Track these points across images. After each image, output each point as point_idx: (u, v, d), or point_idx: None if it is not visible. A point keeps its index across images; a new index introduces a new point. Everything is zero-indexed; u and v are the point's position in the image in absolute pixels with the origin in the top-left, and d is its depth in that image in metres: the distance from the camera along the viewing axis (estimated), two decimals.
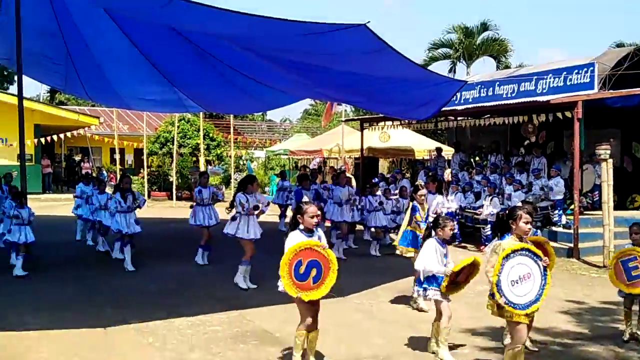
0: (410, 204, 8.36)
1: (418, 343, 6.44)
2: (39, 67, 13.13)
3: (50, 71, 13.44)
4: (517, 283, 4.99)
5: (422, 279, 6.21)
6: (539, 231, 6.47)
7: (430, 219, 7.92)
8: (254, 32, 8.13)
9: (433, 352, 6.14)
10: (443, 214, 9.10)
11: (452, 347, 6.18)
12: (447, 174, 17.67)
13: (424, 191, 8.43)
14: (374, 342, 6.58)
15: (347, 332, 6.94)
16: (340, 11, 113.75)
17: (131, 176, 15.02)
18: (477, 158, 18.58)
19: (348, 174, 17.29)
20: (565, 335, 6.92)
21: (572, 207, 12.86)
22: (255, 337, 6.63)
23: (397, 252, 8.38)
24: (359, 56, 8.57)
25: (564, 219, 13.21)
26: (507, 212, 5.36)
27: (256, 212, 8.88)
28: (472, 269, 6.08)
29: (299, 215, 5.49)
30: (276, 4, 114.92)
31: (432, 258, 6.11)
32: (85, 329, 6.82)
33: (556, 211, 13.21)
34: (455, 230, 13.69)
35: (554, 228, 13.12)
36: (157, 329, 6.90)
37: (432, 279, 6.14)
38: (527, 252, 5.05)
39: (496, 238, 5.42)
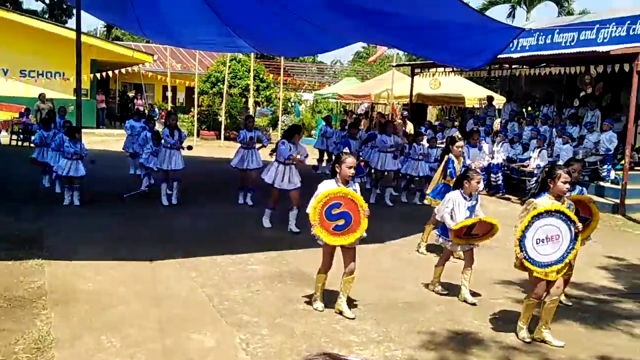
0: (446, 156, 8.29)
1: (450, 290, 6.54)
2: (97, 2, 13.35)
3: (108, 7, 13.65)
4: (543, 242, 5.02)
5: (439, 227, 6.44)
6: (584, 189, 6.36)
7: None
8: None
9: (464, 300, 6.25)
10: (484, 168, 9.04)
11: (474, 294, 6.34)
12: (497, 124, 17.38)
13: (461, 143, 8.37)
14: (409, 289, 6.72)
15: (384, 277, 7.09)
16: None
17: (180, 115, 15.30)
18: (529, 108, 18.16)
19: (398, 120, 17.20)
20: (601, 291, 6.92)
21: (622, 162, 12.55)
22: (292, 278, 6.85)
23: (426, 202, 8.44)
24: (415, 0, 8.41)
25: (612, 174, 12.92)
26: (547, 170, 5.29)
27: (295, 162, 8.95)
28: (489, 227, 6.13)
29: (337, 165, 5.57)
30: None
31: (446, 209, 6.26)
32: (133, 261, 7.17)
33: (605, 166, 12.92)
34: (500, 182, 13.59)
35: (601, 183, 12.87)
36: (200, 264, 7.19)
37: (446, 228, 6.27)
38: (560, 215, 5.05)
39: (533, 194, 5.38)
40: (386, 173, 12.07)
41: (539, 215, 4.98)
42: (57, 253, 7.32)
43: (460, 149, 8.30)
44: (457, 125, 18.79)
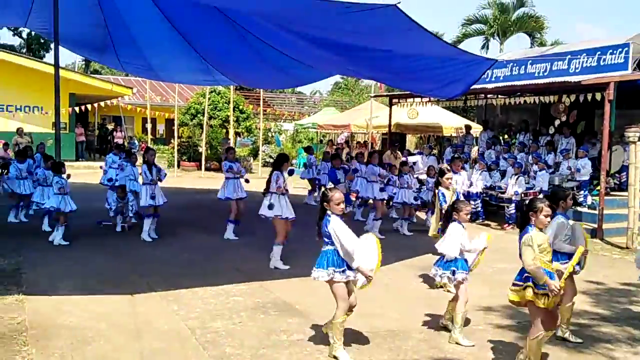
0: (436, 191, 8.44)
1: (434, 320, 6.59)
2: (76, 38, 13.43)
3: (87, 42, 13.74)
4: None
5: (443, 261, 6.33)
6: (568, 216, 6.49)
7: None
8: (286, 9, 8.22)
9: (444, 326, 6.28)
10: (463, 194, 9.18)
11: (465, 324, 6.30)
12: (474, 152, 17.62)
13: (450, 174, 8.52)
14: (390, 317, 6.75)
15: (365, 306, 7.07)
16: None
17: (161, 146, 15.31)
18: (505, 136, 18.45)
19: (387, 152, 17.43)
20: (582, 316, 7.00)
21: (598, 187, 12.79)
22: (275, 308, 6.85)
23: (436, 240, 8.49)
24: (390, 35, 8.62)
25: (589, 200, 13.15)
26: (528, 203, 5.40)
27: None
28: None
29: (325, 203, 5.57)
30: None
31: (455, 243, 6.21)
32: (113, 296, 7.12)
33: (582, 192, 13.15)
34: (479, 209, 13.76)
35: (579, 208, 13.07)
36: (181, 297, 7.17)
37: (453, 262, 6.22)
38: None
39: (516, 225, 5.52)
40: (372, 201, 12.17)
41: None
42: (37, 288, 7.26)
43: (449, 180, 8.46)
44: (435, 153, 19.01)
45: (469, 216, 6.48)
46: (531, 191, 12.90)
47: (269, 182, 8.87)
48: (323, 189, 5.87)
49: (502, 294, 7.54)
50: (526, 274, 5.13)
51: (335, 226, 5.43)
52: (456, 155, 13.56)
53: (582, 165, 13.11)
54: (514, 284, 5.25)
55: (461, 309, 6.02)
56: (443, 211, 8.17)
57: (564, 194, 6.25)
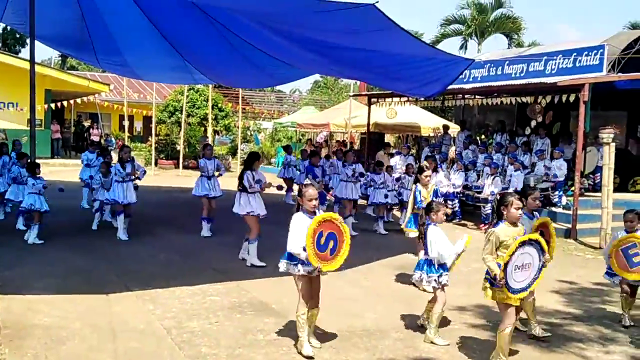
0: (414, 186, 8.52)
1: (410, 319, 6.64)
2: (52, 33, 13.25)
3: (64, 37, 13.56)
4: (519, 269, 5.17)
5: (424, 263, 6.35)
6: (537, 214, 6.55)
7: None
8: (265, 7, 8.22)
9: (421, 325, 6.33)
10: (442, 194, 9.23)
11: (442, 324, 6.35)
12: (452, 152, 17.75)
13: (428, 172, 8.58)
14: (367, 316, 6.78)
15: (342, 305, 7.13)
16: None
17: (138, 144, 15.16)
18: (482, 136, 18.62)
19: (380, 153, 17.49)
20: (554, 315, 7.10)
21: (572, 188, 12.96)
22: (252, 308, 6.85)
23: (410, 234, 8.56)
24: (368, 34, 8.66)
25: (564, 200, 13.31)
26: (499, 199, 5.48)
27: (267, 188, 9.05)
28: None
29: (299, 198, 5.63)
30: None
31: (447, 243, 6.22)
32: (89, 295, 7.06)
33: (557, 192, 13.31)
34: (456, 208, 13.86)
35: (553, 209, 13.23)
36: (158, 297, 7.13)
37: (433, 266, 6.24)
38: (537, 245, 5.24)
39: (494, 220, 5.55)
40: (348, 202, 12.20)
41: (522, 244, 5.12)
42: (11, 287, 7.17)
43: (428, 178, 8.52)
44: (413, 153, 19.13)
45: (444, 217, 6.53)
46: (507, 191, 13.02)
47: (240, 179, 8.94)
48: (299, 185, 5.88)
49: (477, 293, 7.60)
50: (487, 272, 5.30)
51: (292, 221, 5.51)
52: (430, 155, 13.65)
53: (557, 166, 13.27)
54: (484, 278, 5.44)
55: (438, 309, 6.08)
56: (417, 208, 8.26)
57: (526, 192, 6.34)
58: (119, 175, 10.47)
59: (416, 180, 8.71)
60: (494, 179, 13.40)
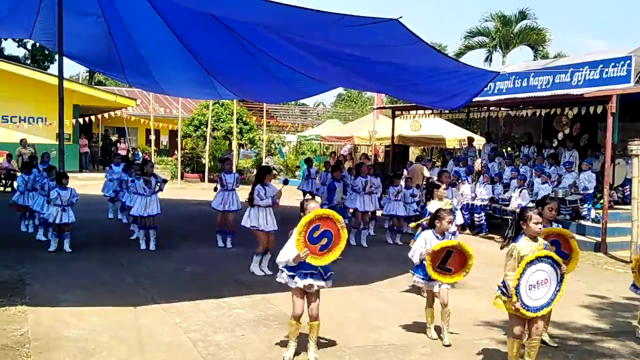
0: (428, 203, 8.45)
1: (437, 332, 6.56)
2: (80, 50, 13.52)
3: (92, 54, 13.83)
4: (534, 287, 5.11)
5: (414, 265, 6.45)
6: (560, 226, 6.44)
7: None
8: (289, 21, 8.28)
9: (433, 338, 6.34)
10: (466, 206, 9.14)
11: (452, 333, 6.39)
12: (478, 164, 17.63)
13: (443, 186, 8.53)
14: (394, 330, 6.73)
15: (369, 319, 7.10)
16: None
17: (164, 158, 15.31)
18: (509, 149, 18.48)
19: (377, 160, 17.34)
20: (584, 330, 6.97)
21: (601, 201, 12.77)
22: (277, 321, 6.84)
23: (411, 244, 8.51)
24: (392, 48, 8.68)
25: (593, 213, 13.12)
26: (519, 213, 5.43)
27: (278, 198, 9.07)
28: (462, 257, 6.11)
29: (302, 213, 5.62)
30: None
31: (419, 248, 6.27)
32: (116, 307, 7.12)
33: (585, 205, 13.13)
34: (483, 221, 13.74)
35: (582, 222, 13.05)
36: (184, 309, 7.16)
37: (420, 267, 6.31)
38: (549, 260, 5.17)
39: (510, 238, 5.48)
40: (362, 214, 12.14)
41: (531, 263, 5.05)
42: (40, 300, 7.26)
43: (443, 192, 8.47)
44: (438, 165, 19.03)
45: (452, 226, 6.51)
46: (527, 206, 12.90)
47: (251, 192, 9.00)
48: (302, 201, 5.85)
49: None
50: (502, 283, 5.28)
51: (292, 234, 5.50)
52: (444, 169, 13.53)
53: (586, 179, 13.10)
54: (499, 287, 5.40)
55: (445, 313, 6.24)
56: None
57: (544, 202, 6.25)
58: (143, 190, 10.59)
59: (429, 196, 8.61)
60: (521, 191, 13.27)
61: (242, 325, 6.68)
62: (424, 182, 14.27)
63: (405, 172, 15.73)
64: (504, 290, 5.25)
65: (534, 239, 5.25)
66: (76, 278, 8.46)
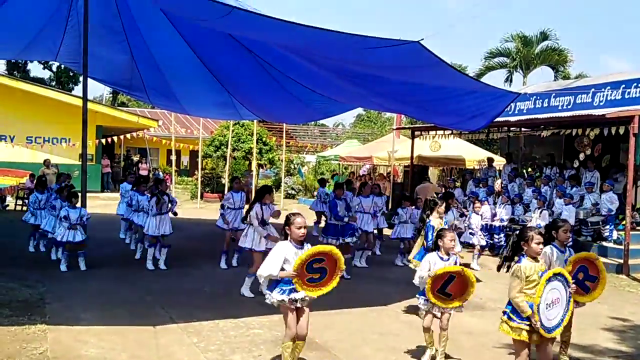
0: (427, 220, 8.37)
1: (456, 353, 6.49)
2: (105, 70, 13.77)
3: (116, 75, 14.07)
4: (550, 307, 5.04)
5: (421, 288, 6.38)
6: (572, 250, 6.31)
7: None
8: (310, 43, 8.36)
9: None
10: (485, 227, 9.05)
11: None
12: (498, 185, 17.51)
13: (442, 208, 8.51)
14: (412, 351, 6.66)
15: (387, 341, 7.05)
16: (401, 20, 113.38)
17: (185, 178, 15.38)
18: (529, 169, 18.35)
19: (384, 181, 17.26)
20: (606, 353, 6.86)
21: (624, 222, 12.60)
22: None
23: (411, 265, 8.49)
24: (413, 70, 8.71)
25: (615, 234, 12.95)
26: (519, 232, 5.36)
27: (276, 218, 8.96)
28: (463, 283, 6.02)
29: (286, 227, 5.56)
30: (334, 14, 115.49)
31: (423, 270, 6.21)
32: (135, 327, 7.15)
33: (607, 226, 12.96)
34: (502, 242, 13.56)
35: (604, 243, 12.87)
36: (202, 329, 7.17)
37: (422, 291, 6.25)
38: (562, 278, 5.12)
39: (505, 258, 5.43)
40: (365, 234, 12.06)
41: (549, 280, 5.00)
42: (60, 318, 7.32)
43: (442, 210, 8.43)
44: (458, 186, 18.93)
45: (457, 247, 6.46)
46: (527, 226, 12.80)
47: (248, 212, 8.94)
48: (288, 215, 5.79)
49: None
50: (509, 307, 5.16)
51: (274, 247, 5.54)
52: (449, 192, 13.41)
53: (608, 200, 12.95)
54: (504, 312, 5.28)
55: (443, 337, 6.17)
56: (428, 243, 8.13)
57: (557, 225, 6.15)
58: (152, 210, 10.69)
59: (429, 214, 8.52)
60: (541, 212, 13.15)
61: (260, 345, 6.67)
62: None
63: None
64: (511, 315, 5.14)
65: (534, 259, 5.17)
66: (96, 297, 8.52)
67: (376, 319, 7.97)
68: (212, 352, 6.39)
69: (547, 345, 5.15)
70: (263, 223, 8.88)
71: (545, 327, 5.00)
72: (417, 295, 6.53)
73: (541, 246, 5.20)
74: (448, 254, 6.30)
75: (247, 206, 10.15)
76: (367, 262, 11.98)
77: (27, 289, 8.74)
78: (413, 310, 8.18)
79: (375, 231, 12.91)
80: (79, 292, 8.81)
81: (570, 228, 6.44)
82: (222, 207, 11.28)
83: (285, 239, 5.57)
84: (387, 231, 13.56)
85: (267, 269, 5.43)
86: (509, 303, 5.18)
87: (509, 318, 5.15)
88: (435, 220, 8.28)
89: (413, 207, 12.41)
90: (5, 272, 9.74)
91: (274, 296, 5.49)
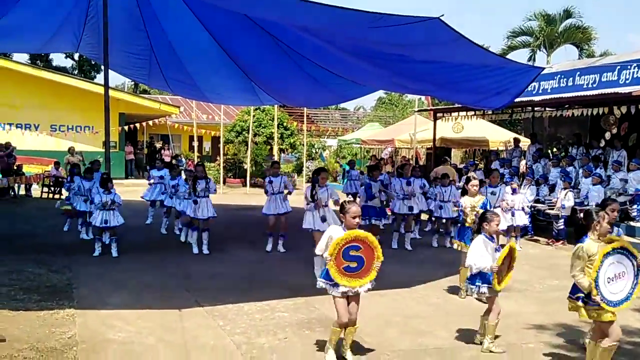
0: (462, 198, 8.30)
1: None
2: (124, 62, 13.81)
3: (135, 66, 14.12)
4: (612, 281, 4.97)
5: (469, 275, 6.23)
6: (621, 230, 6.24)
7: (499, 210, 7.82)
8: (329, 22, 8.24)
9: (480, 343, 6.15)
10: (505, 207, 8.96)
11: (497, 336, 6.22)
12: (523, 166, 17.31)
13: (475, 181, 8.37)
14: (438, 334, 6.63)
15: (412, 323, 7.01)
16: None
17: (207, 164, 15.52)
18: (554, 149, 18.10)
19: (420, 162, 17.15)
20: (637, 334, 6.76)
21: None
22: (320, 324, 6.81)
23: (455, 246, 8.40)
24: (434, 47, 8.57)
25: None
26: (584, 214, 5.30)
27: (321, 205, 9.08)
28: (510, 257, 6.04)
29: (341, 214, 5.58)
30: None
31: (482, 254, 6.06)
32: (161, 310, 7.20)
33: (635, 206, 12.74)
34: (528, 223, 13.36)
35: (632, 223, 12.65)
36: (227, 312, 7.20)
37: (480, 275, 6.10)
38: (624, 251, 5.03)
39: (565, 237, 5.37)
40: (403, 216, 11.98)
41: (607, 254, 4.93)
42: (87, 303, 7.40)
43: (475, 187, 8.28)
44: (481, 167, 18.76)
45: (502, 226, 6.36)
46: (585, 207, 12.63)
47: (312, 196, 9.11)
48: (343, 202, 5.79)
49: (554, 311, 7.38)
50: (573, 291, 5.14)
51: (328, 229, 5.61)
52: (495, 168, 13.29)
53: (635, 179, 12.72)
54: (570, 296, 5.29)
55: (492, 319, 6.03)
56: (463, 221, 8.07)
57: (604, 204, 6.04)
58: (187, 193, 10.79)
59: (464, 192, 8.46)
60: (566, 193, 12.96)
61: (285, 328, 6.68)
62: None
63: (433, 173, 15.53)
64: (581, 296, 5.10)
65: (599, 239, 5.12)
66: (122, 282, 8.60)
67: (402, 302, 7.94)
68: (238, 335, 6.41)
69: (615, 325, 5.13)
70: (320, 205, 9.11)
71: (609, 301, 4.94)
72: (468, 284, 6.27)
73: (609, 225, 5.19)
74: (492, 236, 6.22)
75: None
76: (399, 245, 11.76)
77: (54, 275, 8.85)
78: (453, 290, 8.14)
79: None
80: (105, 277, 8.89)
81: (618, 207, 6.35)
82: (266, 192, 11.22)
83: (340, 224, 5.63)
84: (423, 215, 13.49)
85: (317, 248, 5.64)
86: (573, 286, 5.17)
87: (579, 299, 5.14)
88: (466, 200, 8.17)
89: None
90: (33, 258, 9.88)
91: (329, 289, 5.53)
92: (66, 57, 45.53)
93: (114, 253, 10.30)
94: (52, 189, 19.71)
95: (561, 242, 12.71)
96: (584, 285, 5.00)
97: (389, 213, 12.15)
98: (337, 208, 6.72)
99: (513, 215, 11.98)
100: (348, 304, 5.57)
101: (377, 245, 5.46)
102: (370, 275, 5.48)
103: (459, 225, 8.45)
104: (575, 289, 5.24)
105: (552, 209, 13.25)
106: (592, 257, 5.01)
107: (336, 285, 5.45)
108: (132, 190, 21.67)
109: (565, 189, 13.08)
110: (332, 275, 5.38)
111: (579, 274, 5.05)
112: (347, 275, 5.40)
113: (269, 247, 11.11)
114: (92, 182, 11.92)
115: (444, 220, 12.29)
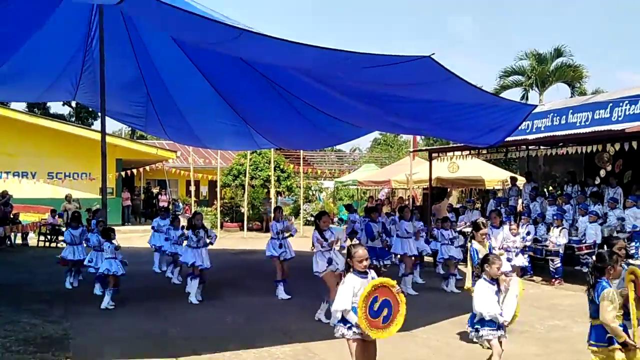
0: (469, 245, 8.26)
1: None
2: (122, 109, 13.98)
3: (132, 114, 14.27)
4: None
5: (475, 319, 6.17)
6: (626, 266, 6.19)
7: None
8: (322, 63, 8.35)
9: None
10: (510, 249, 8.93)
11: None
12: (520, 204, 17.34)
13: (485, 230, 8.33)
14: None
15: None
16: (412, 39, 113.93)
17: (204, 208, 15.56)
18: (550, 188, 18.16)
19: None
20: None
21: None
22: None
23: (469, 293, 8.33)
24: (426, 85, 8.67)
25: None
26: (596, 257, 5.29)
27: (337, 246, 9.05)
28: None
29: (348, 259, 5.53)
30: (347, 35, 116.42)
31: (490, 300, 6.01)
32: (159, 359, 7.12)
33: (633, 243, 12.71)
34: (527, 264, 13.29)
35: (630, 261, 12.59)
36: None
37: (484, 320, 6.04)
38: None
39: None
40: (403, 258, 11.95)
41: None
42: (84, 354, 7.32)
43: (483, 236, 8.26)
44: (478, 207, 18.78)
45: (505, 267, 6.33)
46: (584, 245, 12.65)
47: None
48: (349, 246, 5.75)
49: (556, 352, 7.31)
50: (609, 334, 5.00)
51: (343, 281, 5.45)
52: (494, 209, 13.34)
53: (632, 216, 12.74)
54: (593, 344, 5.14)
55: None
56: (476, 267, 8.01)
57: (610, 242, 6.03)
58: (190, 241, 10.76)
59: (471, 238, 8.44)
60: (560, 230, 12.94)
61: None
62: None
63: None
64: (613, 340, 5.01)
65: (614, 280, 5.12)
66: (119, 331, 8.50)
67: (403, 345, 7.84)
68: None
69: None
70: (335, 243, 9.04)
71: None
72: (476, 327, 6.20)
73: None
74: (493, 280, 6.14)
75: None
76: (412, 289, 11.61)
77: (50, 325, 8.75)
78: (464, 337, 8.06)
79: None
80: (102, 326, 8.80)
81: (625, 244, 6.33)
82: (277, 236, 11.21)
83: (348, 270, 5.53)
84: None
85: (341, 304, 5.36)
86: (596, 331, 5.08)
87: (612, 344, 5.02)
88: (477, 247, 8.13)
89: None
90: (29, 308, 9.79)
91: (346, 332, 5.40)
92: (63, 105, 45.95)
93: (105, 304, 9.98)
94: (49, 237, 19.64)
95: (558, 281, 12.66)
96: (620, 334, 4.91)
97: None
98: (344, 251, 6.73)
99: (516, 255, 12.10)
100: (365, 349, 5.44)
101: (384, 280, 5.34)
102: (402, 308, 5.34)
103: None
104: (597, 335, 5.11)
105: (547, 247, 13.22)
106: (614, 301, 4.95)
107: (350, 327, 5.34)
108: (130, 236, 21.62)
109: (558, 226, 13.06)
110: (381, 337, 5.27)
111: (616, 320, 4.94)
112: (387, 325, 5.28)
113: (283, 295, 10.87)
114: (80, 229, 12.13)
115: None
